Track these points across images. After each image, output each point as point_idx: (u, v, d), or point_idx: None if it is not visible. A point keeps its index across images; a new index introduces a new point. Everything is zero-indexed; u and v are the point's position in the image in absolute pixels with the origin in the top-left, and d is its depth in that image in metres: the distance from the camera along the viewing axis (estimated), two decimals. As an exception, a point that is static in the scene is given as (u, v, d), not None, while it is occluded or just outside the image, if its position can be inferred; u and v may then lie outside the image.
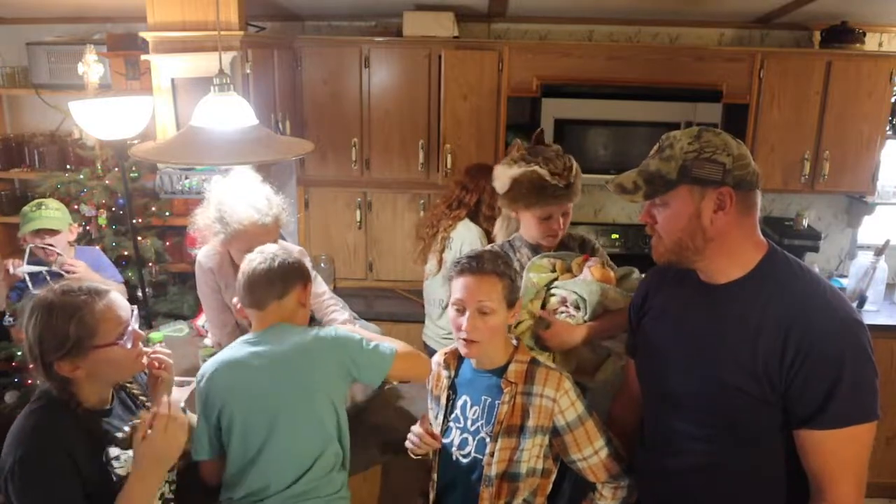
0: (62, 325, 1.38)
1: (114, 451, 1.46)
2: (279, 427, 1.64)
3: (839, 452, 1.28)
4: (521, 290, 1.98)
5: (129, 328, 1.46)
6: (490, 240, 2.67)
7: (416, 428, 1.74)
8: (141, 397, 1.63)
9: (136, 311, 1.52)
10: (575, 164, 2.13)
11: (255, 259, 1.74)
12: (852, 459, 1.29)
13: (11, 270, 2.63)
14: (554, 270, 2.07)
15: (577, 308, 1.97)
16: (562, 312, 2.00)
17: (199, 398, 1.68)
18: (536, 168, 2.06)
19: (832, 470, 1.29)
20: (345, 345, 1.73)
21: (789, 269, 1.38)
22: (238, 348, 1.70)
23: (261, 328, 1.73)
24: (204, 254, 2.31)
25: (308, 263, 2.25)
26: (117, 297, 1.48)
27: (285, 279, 1.72)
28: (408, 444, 1.74)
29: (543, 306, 2.03)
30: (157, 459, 1.41)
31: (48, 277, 2.65)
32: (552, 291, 2.04)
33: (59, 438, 1.38)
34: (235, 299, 1.82)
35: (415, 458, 1.78)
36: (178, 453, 1.45)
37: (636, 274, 2.09)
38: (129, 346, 1.45)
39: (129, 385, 1.63)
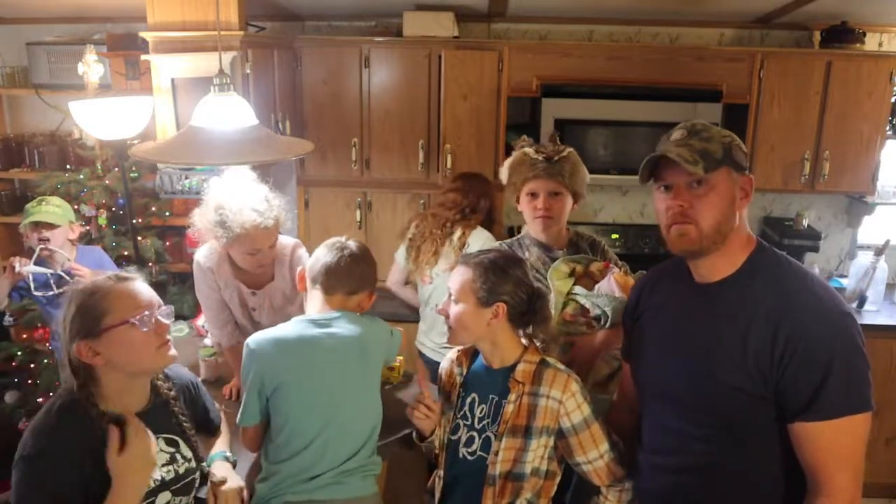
0: (82, 304, 1.41)
1: None
2: (342, 407, 1.72)
3: (834, 444, 1.29)
4: (554, 303, 1.98)
5: (148, 313, 1.43)
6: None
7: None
8: (185, 423, 1.59)
9: (170, 309, 1.50)
10: (569, 152, 2.13)
11: (345, 249, 1.80)
12: (848, 451, 1.29)
13: (17, 268, 2.63)
14: (572, 274, 2.08)
15: (598, 320, 1.98)
16: (582, 324, 2.00)
17: (255, 370, 1.68)
18: (526, 149, 2.13)
19: (828, 462, 1.29)
20: (386, 329, 1.90)
21: (777, 264, 1.39)
22: (303, 327, 1.73)
23: (322, 311, 1.78)
24: (202, 254, 2.31)
25: (304, 256, 2.28)
26: (141, 284, 1.48)
27: (361, 280, 1.81)
28: (408, 410, 1.78)
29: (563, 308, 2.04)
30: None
31: (52, 280, 2.65)
32: (573, 297, 2.03)
33: (70, 444, 1.37)
34: (300, 268, 1.89)
35: (421, 444, 1.80)
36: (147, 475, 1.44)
37: None
38: (144, 329, 1.42)
39: (174, 403, 1.58)
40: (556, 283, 2.03)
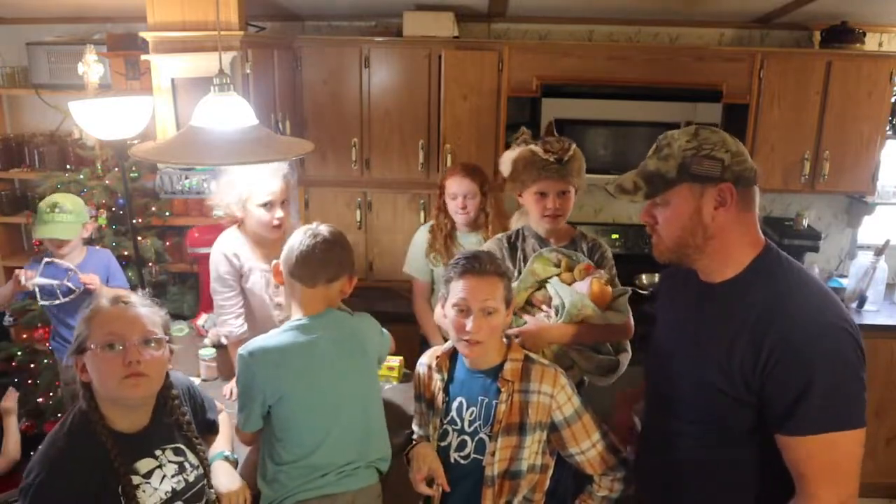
0: (82, 319, 1.45)
1: (136, 479, 1.43)
2: (346, 406, 1.74)
3: (814, 459, 1.26)
4: (522, 277, 2.04)
5: (130, 344, 1.41)
6: (437, 241, 2.76)
7: (418, 477, 1.69)
8: (190, 432, 1.58)
9: (164, 342, 1.48)
10: (574, 149, 2.14)
11: (318, 236, 1.75)
12: (829, 466, 1.26)
13: (23, 282, 2.61)
14: (558, 265, 2.09)
15: (556, 312, 2.00)
16: (543, 312, 2.03)
17: (255, 382, 1.68)
18: (532, 146, 2.13)
19: (808, 475, 1.27)
20: (375, 324, 1.90)
21: (780, 269, 1.36)
22: (294, 335, 1.72)
23: (310, 311, 1.76)
24: (225, 241, 2.37)
25: None
26: (129, 311, 1.45)
27: (340, 266, 1.77)
28: (416, 482, 1.71)
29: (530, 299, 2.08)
30: None
31: (58, 291, 2.65)
32: (547, 286, 2.07)
33: (76, 469, 1.37)
34: (276, 261, 1.84)
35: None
36: None
37: (628, 295, 2.09)
38: (115, 359, 1.39)
39: (182, 418, 1.57)
40: (535, 265, 2.06)
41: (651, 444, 1.57)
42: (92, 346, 1.40)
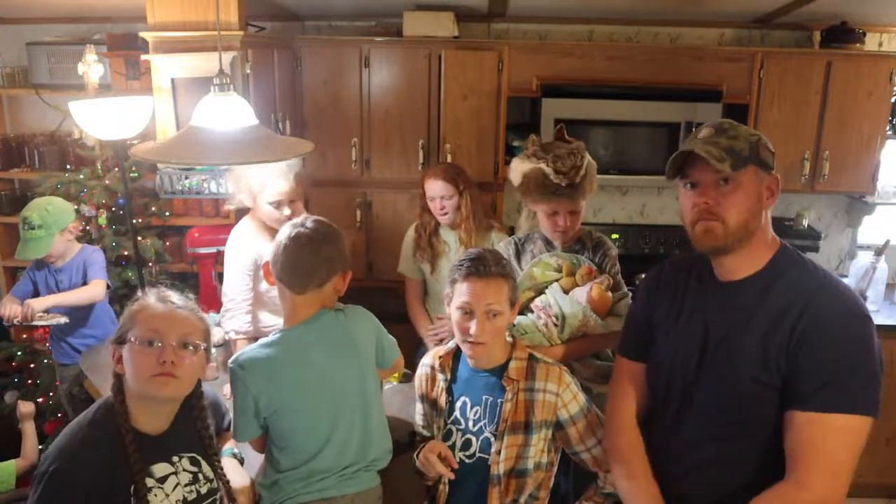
0: (126, 311, 1.48)
1: (149, 481, 1.42)
2: (345, 410, 1.71)
3: (819, 440, 1.27)
4: (520, 280, 2.02)
5: (167, 343, 1.41)
6: (422, 238, 2.79)
7: (431, 455, 1.66)
8: (209, 443, 1.57)
9: (201, 348, 1.48)
10: (586, 164, 2.07)
11: (301, 238, 1.66)
12: (832, 451, 1.28)
13: (5, 322, 2.65)
14: (559, 270, 2.08)
15: (556, 324, 1.98)
16: (539, 317, 2.01)
17: (248, 395, 1.63)
18: (542, 166, 2.06)
19: (806, 460, 1.28)
20: (366, 315, 1.84)
21: (801, 265, 1.40)
22: (287, 345, 1.68)
23: (304, 316, 1.70)
24: (241, 233, 2.41)
25: None
26: (172, 311, 1.46)
27: (329, 265, 1.69)
28: (419, 465, 1.71)
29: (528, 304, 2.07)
30: None
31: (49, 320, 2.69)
32: (546, 292, 2.05)
33: (92, 462, 1.37)
34: (265, 261, 1.79)
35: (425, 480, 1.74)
36: None
37: (629, 299, 2.07)
38: (151, 356, 1.40)
39: (205, 431, 1.56)
40: (535, 269, 2.06)
41: (661, 440, 1.55)
42: (132, 338, 1.42)
